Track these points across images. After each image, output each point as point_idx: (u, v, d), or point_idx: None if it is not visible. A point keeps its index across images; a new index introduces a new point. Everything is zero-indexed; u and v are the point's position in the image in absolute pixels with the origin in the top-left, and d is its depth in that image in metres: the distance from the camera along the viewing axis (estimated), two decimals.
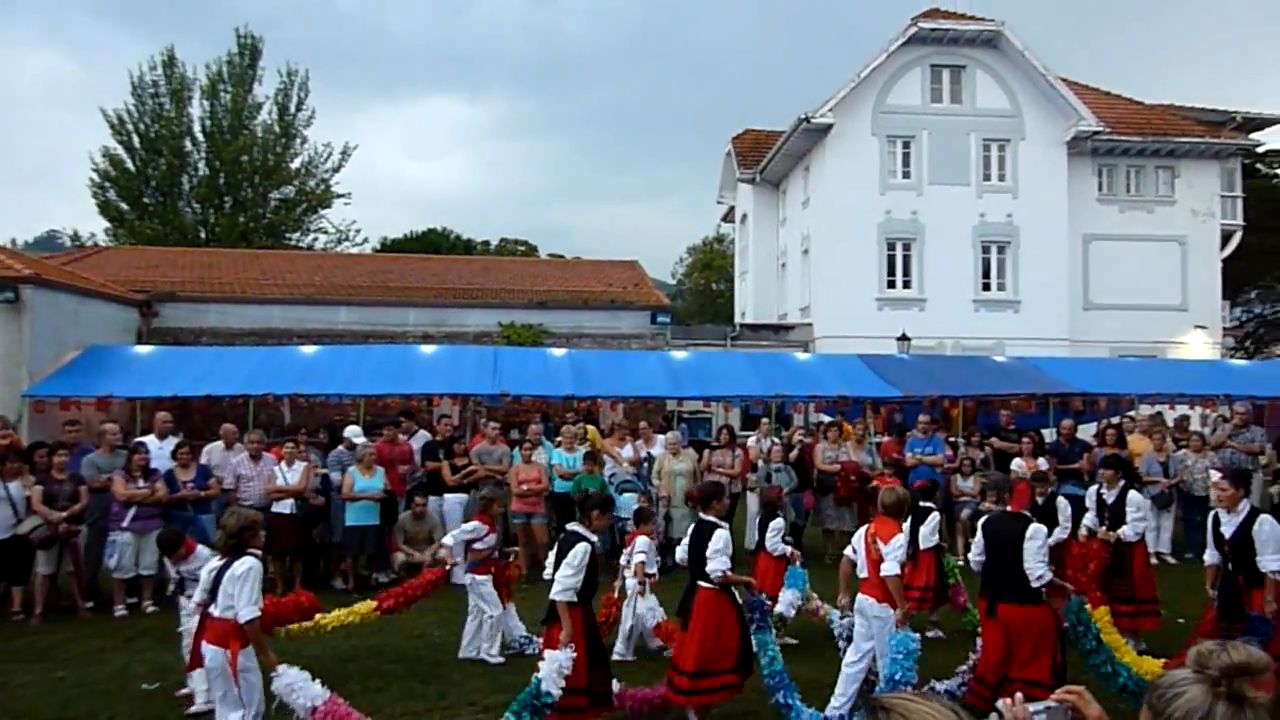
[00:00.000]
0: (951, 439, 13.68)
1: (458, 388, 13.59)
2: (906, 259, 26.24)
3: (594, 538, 5.95)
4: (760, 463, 12.26)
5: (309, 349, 14.96)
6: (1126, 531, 8.08)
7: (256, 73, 36.62)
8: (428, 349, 15.40)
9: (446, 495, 11.40)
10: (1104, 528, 8.21)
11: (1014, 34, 25.90)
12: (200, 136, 35.67)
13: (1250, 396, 14.27)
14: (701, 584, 6.18)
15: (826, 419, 14.20)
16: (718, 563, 6.07)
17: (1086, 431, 14.30)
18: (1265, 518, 6.62)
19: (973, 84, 26.41)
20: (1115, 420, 14.09)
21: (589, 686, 5.71)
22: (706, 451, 12.52)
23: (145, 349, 15.28)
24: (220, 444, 11.10)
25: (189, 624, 6.55)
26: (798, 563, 8.01)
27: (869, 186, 26.03)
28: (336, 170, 38.07)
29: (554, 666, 5.45)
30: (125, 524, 9.46)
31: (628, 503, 11.49)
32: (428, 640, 8.43)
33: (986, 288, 26.36)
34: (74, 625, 9.00)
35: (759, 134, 32.76)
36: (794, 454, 12.66)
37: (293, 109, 37.15)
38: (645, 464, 12.38)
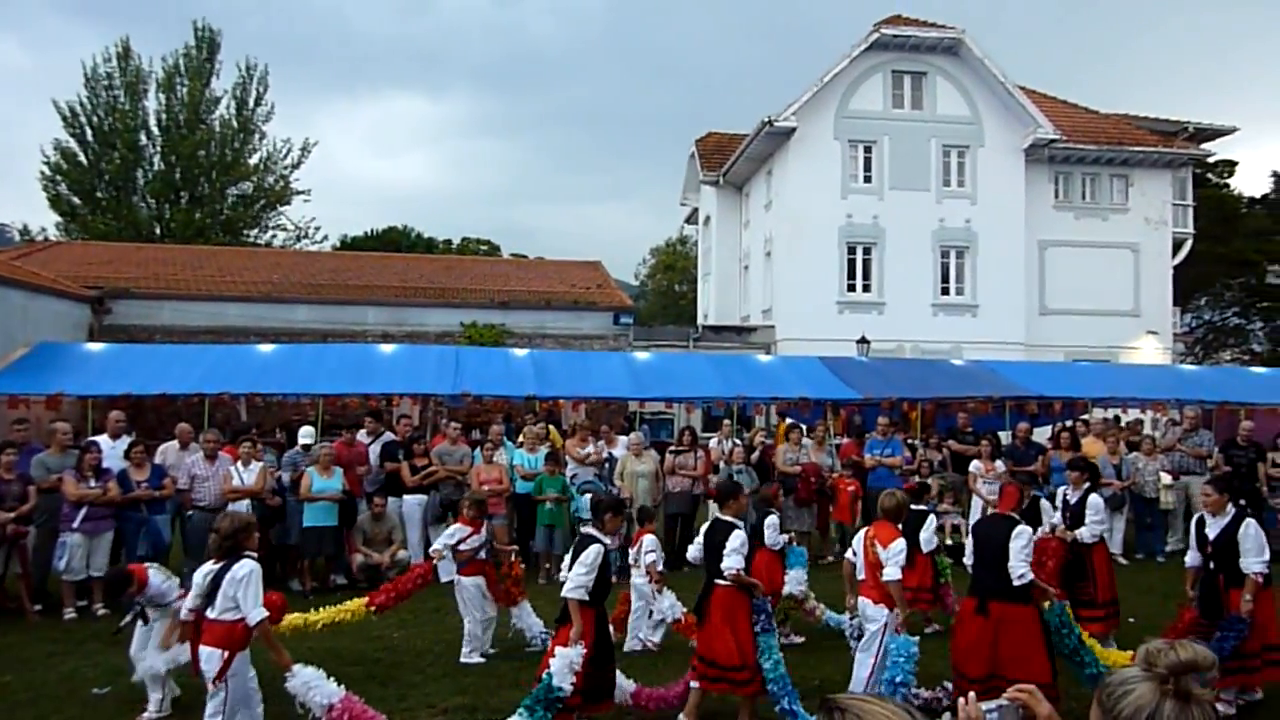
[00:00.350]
0: (910, 441, 13.84)
1: (418, 388, 13.47)
2: (867, 263, 26.51)
3: (608, 540, 6.06)
4: (722, 464, 12.30)
5: (266, 347, 14.73)
6: (1083, 533, 8.21)
7: (214, 66, 36.15)
8: (388, 348, 15.24)
9: (406, 496, 11.30)
10: (1063, 527, 8.36)
11: (974, 42, 26.28)
12: (155, 130, 35.11)
13: (1199, 401, 14.58)
14: (718, 582, 6.26)
15: (788, 421, 14.28)
16: (732, 560, 6.15)
17: (1042, 434, 14.54)
18: (1250, 521, 6.81)
19: (933, 90, 26.76)
20: (1069, 423, 14.34)
21: (584, 685, 5.76)
22: (668, 453, 12.54)
23: (97, 346, 14.95)
24: (175, 443, 10.92)
25: (167, 657, 6.35)
26: (793, 544, 8.16)
27: (831, 190, 26.26)
28: (296, 166, 37.75)
29: (564, 662, 5.58)
30: (76, 524, 9.26)
31: (587, 504, 11.48)
32: (386, 642, 8.35)
33: (945, 292, 26.71)
34: (22, 628, 8.79)
35: (722, 136, 32.91)
36: (755, 455, 12.73)
37: (251, 104, 36.72)
38: (607, 465, 12.37)
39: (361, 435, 12.01)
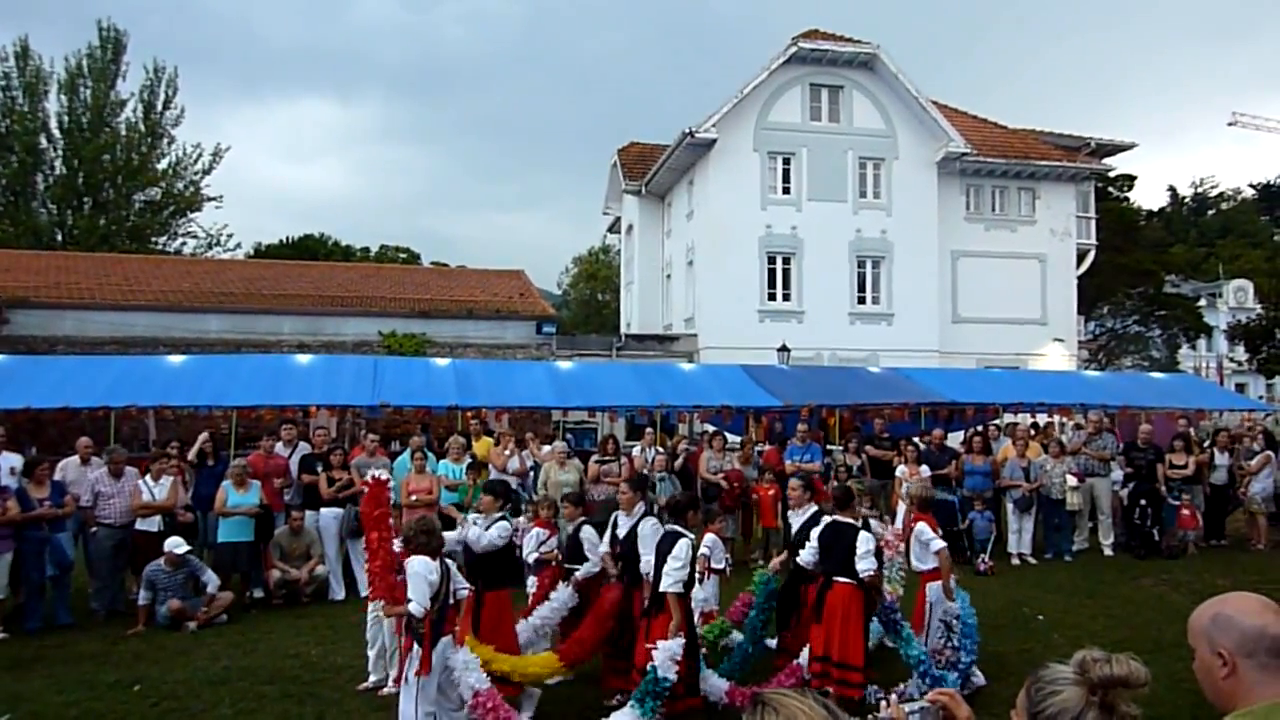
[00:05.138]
0: (829, 447, 14.08)
1: (335, 399, 13.20)
2: (786, 272, 26.92)
3: (691, 534, 6.33)
4: (645, 472, 12.32)
5: (176, 358, 14.27)
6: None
7: (120, 68, 34.97)
8: (303, 358, 14.92)
9: (322, 509, 11.03)
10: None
11: (889, 57, 26.94)
12: (57, 133, 33.81)
13: (1103, 406, 15.19)
14: (838, 579, 6.45)
15: (711, 429, 14.39)
16: (868, 563, 6.33)
17: (955, 439, 14.93)
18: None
19: (850, 104, 27.33)
20: (981, 428, 14.77)
21: (684, 676, 6.02)
22: (592, 462, 12.51)
23: None
24: (75, 459, 10.45)
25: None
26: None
27: (751, 201, 26.61)
28: (207, 172, 36.70)
29: (667, 654, 5.86)
30: None
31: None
32: (303, 659, 8.13)
33: (862, 301, 27.27)
34: None
35: (644, 147, 33.10)
36: (679, 463, 12.79)
37: (159, 107, 35.58)
38: (531, 474, 12.29)
39: (279, 448, 11.64)
